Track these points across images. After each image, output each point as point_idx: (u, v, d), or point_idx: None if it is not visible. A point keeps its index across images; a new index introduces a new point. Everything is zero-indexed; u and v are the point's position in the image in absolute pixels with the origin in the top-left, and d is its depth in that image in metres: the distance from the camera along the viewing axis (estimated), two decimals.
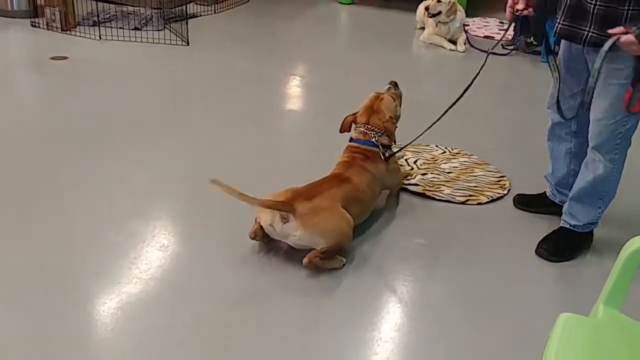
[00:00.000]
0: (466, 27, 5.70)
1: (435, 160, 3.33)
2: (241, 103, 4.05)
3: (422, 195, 3.00)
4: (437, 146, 3.47)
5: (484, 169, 3.26)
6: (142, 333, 2.09)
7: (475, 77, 2.58)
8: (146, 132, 3.57)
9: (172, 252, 2.51)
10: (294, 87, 4.48)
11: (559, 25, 2.40)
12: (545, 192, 2.91)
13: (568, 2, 2.34)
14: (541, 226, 2.78)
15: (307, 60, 5.10)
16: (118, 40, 4.96)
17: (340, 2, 6.64)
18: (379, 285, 2.39)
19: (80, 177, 3.05)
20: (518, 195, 3.00)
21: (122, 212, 2.76)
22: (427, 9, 5.41)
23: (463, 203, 2.96)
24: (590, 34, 2.29)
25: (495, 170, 3.24)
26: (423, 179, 3.12)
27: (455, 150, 3.44)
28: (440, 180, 3.12)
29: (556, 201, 2.85)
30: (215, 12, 5.96)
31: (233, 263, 2.48)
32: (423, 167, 3.25)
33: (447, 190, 3.03)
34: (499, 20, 6.20)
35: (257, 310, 2.24)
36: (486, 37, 5.72)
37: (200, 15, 5.80)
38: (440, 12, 5.34)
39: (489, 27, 6.03)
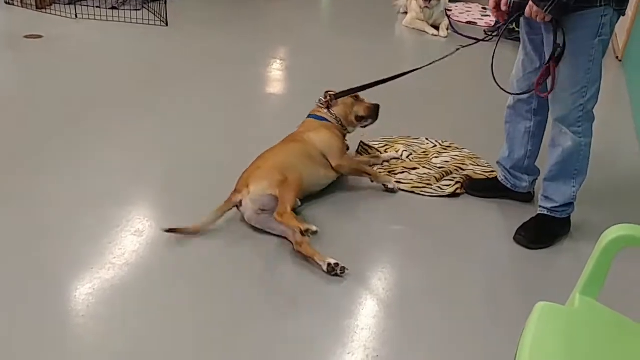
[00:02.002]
0: (449, 13, 5.67)
1: (427, 154, 3.25)
2: (221, 85, 3.99)
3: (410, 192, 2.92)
4: (427, 139, 3.40)
5: (475, 163, 3.20)
6: (114, 319, 2.05)
7: (441, 59, 2.62)
8: (122, 113, 3.50)
9: (146, 238, 2.47)
10: (275, 70, 4.43)
11: (512, 0, 2.41)
12: (497, 178, 2.92)
13: None
14: (521, 213, 2.77)
15: (288, 43, 5.04)
16: (94, 19, 4.86)
17: None
18: (356, 272, 2.37)
19: (54, 158, 2.98)
20: (470, 181, 2.99)
21: (96, 196, 2.71)
22: None
23: (452, 195, 2.91)
24: None
25: (487, 165, 3.19)
26: (411, 174, 3.03)
27: (446, 143, 3.37)
28: (430, 174, 3.03)
29: (508, 186, 2.87)
30: None
31: (208, 249, 2.44)
32: (414, 160, 3.17)
33: (435, 185, 2.97)
34: (481, 6, 6.18)
35: (232, 297, 2.21)
36: (469, 22, 5.69)
37: None
38: None
39: (471, 12, 6.00)
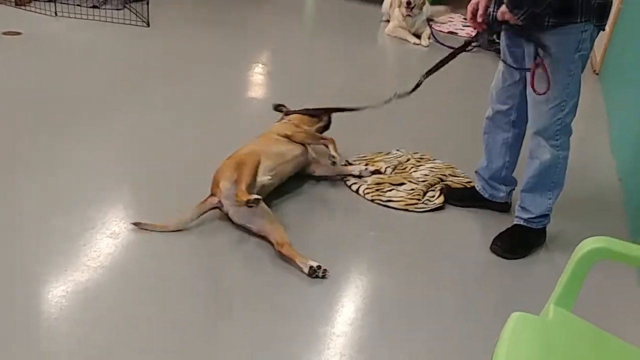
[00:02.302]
0: (430, 22, 5.71)
1: (404, 167, 3.20)
2: (201, 87, 3.97)
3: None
4: (397, 150, 3.36)
5: (453, 173, 3.20)
6: (88, 323, 2.02)
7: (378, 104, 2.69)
8: (101, 113, 3.46)
9: (122, 240, 2.44)
10: (256, 75, 4.42)
11: (493, 14, 2.44)
12: (475, 187, 2.94)
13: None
14: (497, 223, 2.80)
15: (271, 47, 5.04)
16: (75, 17, 4.81)
17: None
18: (333, 278, 2.36)
19: (29, 158, 2.93)
20: (448, 190, 3.00)
21: (72, 197, 2.67)
22: (408, 3, 5.34)
23: (440, 206, 2.92)
24: None
25: (463, 175, 3.20)
26: (399, 190, 2.96)
27: (417, 155, 3.33)
28: (417, 189, 2.98)
29: (486, 195, 2.89)
30: None
31: (185, 251, 2.42)
32: (397, 174, 3.11)
33: (424, 198, 2.94)
34: (463, 17, 6.23)
35: (207, 300, 2.19)
36: (450, 32, 5.74)
37: None
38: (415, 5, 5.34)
39: (453, 22, 6.06)
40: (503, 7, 2.30)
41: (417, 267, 2.51)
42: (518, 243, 2.66)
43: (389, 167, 3.16)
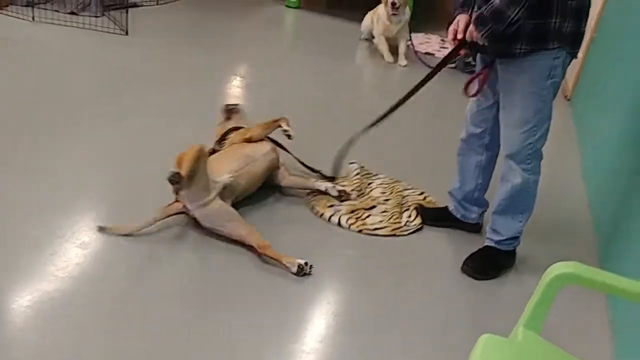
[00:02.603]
0: (408, 43, 5.77)
1: (359, 187, 3.14)
2: (177, 98, 3.95)
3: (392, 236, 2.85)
4: (350, 163, 3.29)
5: (404, 187, 3.23)
6: (53, 333, 1.99)
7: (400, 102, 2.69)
8: (76, 120, 3.42)
9: (92, 250, 2.40)
10: (234, 87, 4.41)
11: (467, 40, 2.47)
12: (447, 207, 2.97)
13: (474, 17, 2.42)
14: (469, 244, 2.82)
15: (249, 60, 5.04)
16: (52, 23, 4.76)
17: (287, 6, 6.60)
18: (305, 295, 2.36)
19: (1, 163, 2.88)
20: (422, 209, 3.04)
21: (43, 204, 2.63)
22: (393, 4, 5.33)
23: (420, 227, 2.93)
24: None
25: (413, 188, 3.24)
26: (376, 215, 2.93)
27: (364, 171, 3.29)
28: (390, 210, 2.97)
29: (458, 216, 2.93)
30: (157, 4, 5.81)
31: (155, 263, 2.40)
32: (361, 197, 3.07)
33: (404, 220, 2.95)
34: (440, 38, 6.32)
35: (177, 313, 2.17)
36: (427, 53, 5.81)
37: (142, 6, 5.64)
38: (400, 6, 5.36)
39: (430, 43, 6.13)
40: (471, 26, 2.35)
41: (389, 286, 2.51)
42: (488, 264, 2.69)
43: (353, 190, 3.10)
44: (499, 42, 2.31)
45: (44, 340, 1.96)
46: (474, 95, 2.51)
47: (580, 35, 2.37)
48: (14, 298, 2.09)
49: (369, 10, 5.80)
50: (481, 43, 2.33)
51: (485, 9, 2.26)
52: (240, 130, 3.04)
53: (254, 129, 3.01)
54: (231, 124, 3.14)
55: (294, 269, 2.39)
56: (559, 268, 1.55)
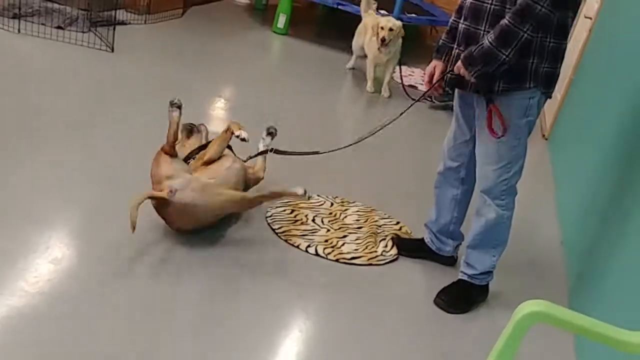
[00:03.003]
0: (393, 75, 5.84)
1: (334, 214, 3.18)
2: (159, 117, 3.92)
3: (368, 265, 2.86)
4: (318, 195, 3.31)
5: (380, 216, 3.26)
6: (20, 350, 1.95)
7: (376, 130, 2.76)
8: (56, 133, 3.40)
9: (64, 267, 2.38)
10: (217, 109, 4.43)
11: (448, 75, 2.54)
12: (423, 239, 2.99)
13: (455, 53, 2.51)
14: (442, 276, 2.84)
15: (233, 83, 5.07)
16: (38, 36, 4.75)
17: (275, 32, 6.67)
18: (277, 321, 2.35)
19: None
20: (398, 239, 3.06)
21: (16, 217, 2.60)
22: (382, 40, 5.34)
23: (396, 258, 2.95)
24: (473, 84, 2.43)
25: (389, 217, 3.27)
26: (351, 243, 2.95)
27: (338, 199, 3.33)
28: (364, 239, 3.01)
29: (433, 248, 2.95)
30: (145, 22, 5.83)
31: (129, 281, 2.37)
32: (333, 226, 3.08)
33: (381, 250, 2.96)
34: (423, 72, 6.42)
35: (147, 331, 2.15)
36: (410, 86, 5.89)
37: (130, 24, 5.65)
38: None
39: (413, 77, 6.22)
40: (459, 64, 2.40)
41: (361, 316, 2.52)
42: (461, 298, 2.71)
43: (317, 217, 3.12)
44: (483, 80, 2.37)
45: (10, 356, 1.92)
46: (502, 136, 2.43)
47: (556, 76, 2.44)
48: None
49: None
50: (472, 80, 2.38)
51: (475, 49, 2.31)
52: (198, 155, 2.97)
53: (209, 149, 2.92)
54: (191, 143, 3.12)
55: (301, 191, 2.77)
56: (529, 306, 1.57)
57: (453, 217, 2.86)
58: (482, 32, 2.36)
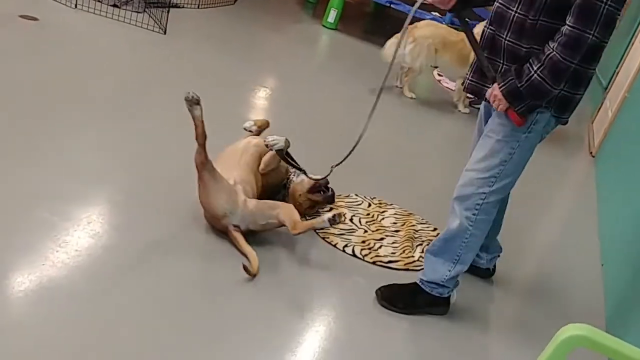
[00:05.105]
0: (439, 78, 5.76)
1: (372, 215, 3.16)
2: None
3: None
4: (356, 195, 3.30)
5: (418, 221, 3.23)
6: (51, 320, 1.99)
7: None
8: (102, 112, 3.45)
9: (104, 242, 2.41)
10: (260, 99, 4.44)
11: (467, 81, 2.44)
12: None
13: (476, 60, 2.39)
14: (475, 287, 2.80)
15: (279, 74, 5.08)
16: (94, 13, 4.82)
17: (324, 26, 6.66)
18: (306, 316, 2.36)
19: (18, 146, 2.89)
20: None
21: (61, 191, 2.64)
22: None
23: None
24: None
25: (426, 222, 3.24)
26: (387, 246, 2.92)
27: (376, 200, 3.31)
28: (401, 243, 2.95)
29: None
30: (198, 7, 5.88)
31: (164, 262, 2.40)
32: (371, 227, 3.05)
33: (417, 254, 2.91)
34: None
35: (178, 317, 2.17)
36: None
37: (183, 7, 5.71)
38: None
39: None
40: (497, 90, 2.23)
41: (392, 317, 2.49)
42: (401, 297, 2.53)
43: (354, 216, 3.09)
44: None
45: (43, 329, 1.96)
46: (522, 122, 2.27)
47: (574, 102, 2.27)
48: (22, 280, 2.10)
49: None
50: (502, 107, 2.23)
51: (522, 84, 2.15)
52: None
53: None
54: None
55: (327, 225, 2.59)
56: (572, 329, 1.53)
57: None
58: (503, 40, 2.24)
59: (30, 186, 2.62)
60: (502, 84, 2.22)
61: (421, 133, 4.38)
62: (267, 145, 2.83)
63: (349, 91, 5.07)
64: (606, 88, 6.14)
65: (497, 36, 2.28)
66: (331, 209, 3.08)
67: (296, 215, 2.63)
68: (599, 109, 5.79)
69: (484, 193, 2.34)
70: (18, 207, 2.47)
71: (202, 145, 2.55)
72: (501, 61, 2.29)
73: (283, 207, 2.66)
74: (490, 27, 2.32)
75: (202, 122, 2.53)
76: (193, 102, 2.47)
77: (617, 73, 5.91)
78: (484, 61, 2.32)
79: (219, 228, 2.62)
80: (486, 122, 2.47)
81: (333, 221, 2.57)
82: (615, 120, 4.92)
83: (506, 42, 2.24)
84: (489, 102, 2.34)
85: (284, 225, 2.63)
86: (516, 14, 2.20)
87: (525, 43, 2.20)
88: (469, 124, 4.89)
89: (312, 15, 7.02)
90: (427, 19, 6.01)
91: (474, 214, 2.37)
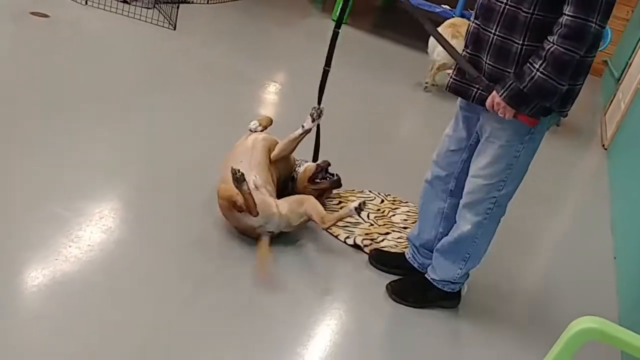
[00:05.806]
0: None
1: (382, 211, 3.13)
2: (213, 98, 3.98)
3: None
4: (370, 191, 3.27)
5: None
6: (65, 314, 2.01)
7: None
8: (112, 108, 3.47)
9: (117, 237, 2.43)
10: (270, 94, 4.45)
11: (451, 80, 2.30)
12: (404, 253, 2.73)
13: (505, 95, 2.12)
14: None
15: (289, 69, 5.08)
16: (104, 9, 4.84)
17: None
18: (319, 309, 2.36)
19: (29, 142, 2.91)
20: (376, 250, 2.76)
21: (73, 187, 2.66)
22: None
23: None
24: (478, 92, 2.20)
25: None
26: (389, 239, 2.89)
27: (390, 197, 3.27)
28: (405, 238, 2.88)
29: (415, 265, 2.66)
30: (208, 3, 5.89)
31: (176, 258, 2.41)
32: (379, 221, 3.03)
33: None
34: None
35: (190, 313, 2.18)
36: None
37: (193, 3, 5.72)
38: None
39: None
40: (498, 99, 2.08)
41: (402, 311, 2.49)
42: (412, 291, 2.52)
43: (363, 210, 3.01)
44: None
45: (56, 323, 1.97)
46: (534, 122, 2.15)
47: (575, 93, 2.15)
48: (35, 275, 2.12)
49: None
50: (509, 116, 2.10)
51: (525, 85, 2.02)
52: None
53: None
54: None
55: (354, 214, 2.58)
56: (584, 322, 1.52)
57: (438, 233, 2.55)
58: (491, 35, 2.10)
59: (43, 182, 2.64)
60: (503, 90, 2.06)
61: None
62: (312, 120, 2.92)
63: (359, 85, 5.06)
64: (619, 80, 6.09)
65: (483, 31, 2.13)
66: (340, 202, 3.07)
67: (321, 207, 2.61)
68: (612, 101, 5.74)
69: (494, 197, 2.29)
70: (31, 203, 2.49)
71: (254, 212, 2.50)
72: (484, 59, 2.15)
73: (307, 201, 2.63)
74: (475, 21, 2.17)
75: (251, 194, 2.48)
76: (241, 180, 2.44)
77: (630, 64, 5.86)
78: (461, 60, 2.20)
79: (251, 236, 2.57)
80: (466, 125, 2.36)
81: (359, 209, 2.57)
82: (628, 112, 4.88)
83: (495, 37, 2.09)
84: (485, 108, 2.17)
85: (312, 220, 2.61)
86: (507, 7, 2.05)
87: (518, 38, 2.05)
88: None
89: (321, 9, 7.01)
90: (437, 11, 5.99)
91: (485, 218, 2.33)
